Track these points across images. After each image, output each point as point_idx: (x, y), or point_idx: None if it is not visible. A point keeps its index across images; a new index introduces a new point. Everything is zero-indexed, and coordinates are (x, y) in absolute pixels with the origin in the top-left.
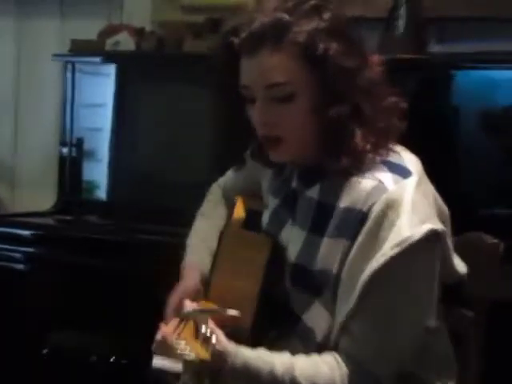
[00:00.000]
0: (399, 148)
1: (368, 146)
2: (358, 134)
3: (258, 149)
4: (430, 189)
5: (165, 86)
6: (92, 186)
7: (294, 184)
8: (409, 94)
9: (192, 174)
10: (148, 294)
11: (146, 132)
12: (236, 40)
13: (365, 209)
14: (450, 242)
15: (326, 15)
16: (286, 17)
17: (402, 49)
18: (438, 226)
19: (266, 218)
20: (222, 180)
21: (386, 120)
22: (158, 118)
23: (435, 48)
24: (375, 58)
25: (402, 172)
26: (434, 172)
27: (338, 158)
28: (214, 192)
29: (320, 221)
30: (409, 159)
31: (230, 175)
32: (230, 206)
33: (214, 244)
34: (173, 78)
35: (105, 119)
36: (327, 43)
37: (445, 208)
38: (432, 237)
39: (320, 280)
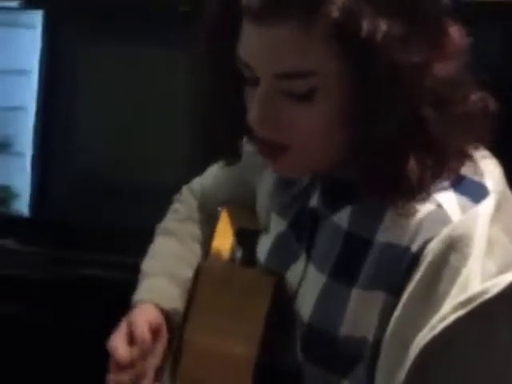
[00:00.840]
0: (477, 152)
1: (428, 174)
2: (413, 160)
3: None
4: None
5: (119, 44)
6: (6, 195)
7: (315, 202)
8: (492, 56)
9: (160, 177)
10: (95, 358)
11: (91, 113)
12: None
13: (415, 247)
14: None
15: None
16: None
17: None
18: None
19: (265, 245)
20: (197, 182)
21: (464, 132)
22: (109, 92)
23: None
24: (455, 36)
25: (475, 192)
26: None
27: (379, 193)
28: (185, 199)
29: (348, 262)
30: (489, 170)
31: (210, 175)
32: (210, 222)
33: (183, 273)
34: (131, 33)
35: (27, 93)
36: (374, 20)
37: None
38: None
39: (348, 352)
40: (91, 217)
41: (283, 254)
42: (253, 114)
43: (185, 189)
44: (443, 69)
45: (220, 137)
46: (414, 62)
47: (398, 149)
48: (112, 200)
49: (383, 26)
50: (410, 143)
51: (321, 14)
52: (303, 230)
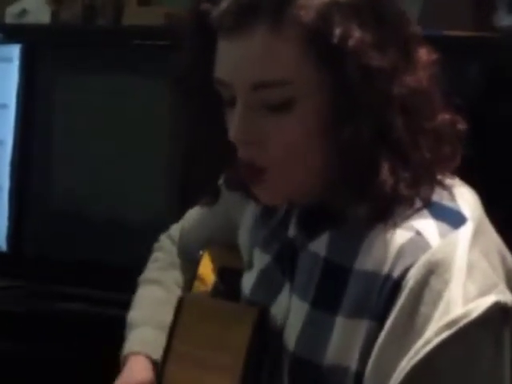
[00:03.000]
0: (451, 181)
1: (401, 186)
2: (385, 168)
3: (239, 173)
4: (493, 240)
5: (96, 77)
6: None
7: (292, 232)
8: (469, 88)
9: (137, 212)
10: None
11: (68, 147)
12: (213, 10)
13: (396, 274)
14: None
15: None
16: None
17: (457, 22)
18: (506, 296)
19: (249, 281)
20: (175, 228)
21: (433, 148)
22: (88, 125)
23: (506, 20)
24: (423, 54)
25: (453, 218)
26: (507, 207)
27: (354, 203)
28: (164, 246)
29: (329, 290)
30: (464, 198)
31: (189, 218)
32: (191, 265)
33: (169, 320)
34: (108, 66)
35: (5, 127)
36: (346, 27)
37: None
38: (497, 313)
39: (333, 381)
40: (68, 251)
41: (268, 287)
42: (234, 130)
43: (163, 236)
44: (412, 80)
45: (199, 173)
46: (383, 67)
47: (369, 155)
48: (89, 235)
49: (355, 31)
50: (382, 151)
51: (292, 19)
52: (286, 262)
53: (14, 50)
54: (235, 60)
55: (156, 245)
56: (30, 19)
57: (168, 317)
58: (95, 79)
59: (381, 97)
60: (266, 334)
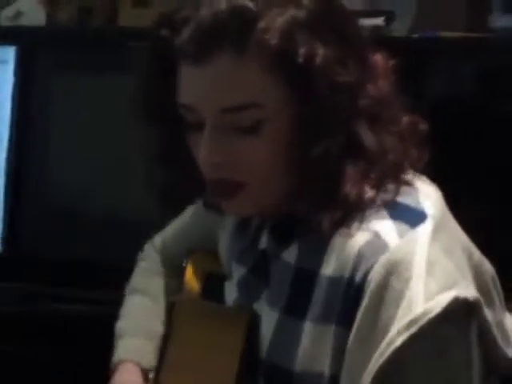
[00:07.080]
0: (412, 177)
1: (367, 191)
2: (351, 177)
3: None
4: (457, 237)
5: (91, 78)
6: None
7: (263, 243)
8: (464, 89)
9: (132, 212)
10: None
11: (64, 147)
12: (174, 37)
13: (358, 277)
14: (494, 315)
15: (306, 0)
16: (249, 5)
17: (452, 24)
18: (468, 292)
19: (231, 293)
20: (158, 237)
21: (398, 151)
22: (83, 126)
23: (501, 21)
24: (379, 61)
25: (411, 217)
26: (488, 206)
27: (323, 211)
28: (148, 256)
29: (298, 297)
30: (426, 194)
31: (171, 229)
32: (175, 273)
33: (157, 329)
34: (103, 67)
35: (0, 129)
36: (310, 45)
37: (484, 263)
38: (460, 308)
39: None
40: (63, 251)
41: (247, 299)
42: (203, 153)
43: (147, 246)
44: (373, 89)
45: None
46: (349, 81)
47: (338, 167)
48: (86, 234)
49: (319, 49)
50: (350, 160)
51: (256, 43)
52: (261, 272)
53: (10, 52)
54: (202, 86)
55: (140, 255)
56: (24, 21)
57: (155, 326)
58: (90, 80)
59: (349, 110)
60: (258, 337)
